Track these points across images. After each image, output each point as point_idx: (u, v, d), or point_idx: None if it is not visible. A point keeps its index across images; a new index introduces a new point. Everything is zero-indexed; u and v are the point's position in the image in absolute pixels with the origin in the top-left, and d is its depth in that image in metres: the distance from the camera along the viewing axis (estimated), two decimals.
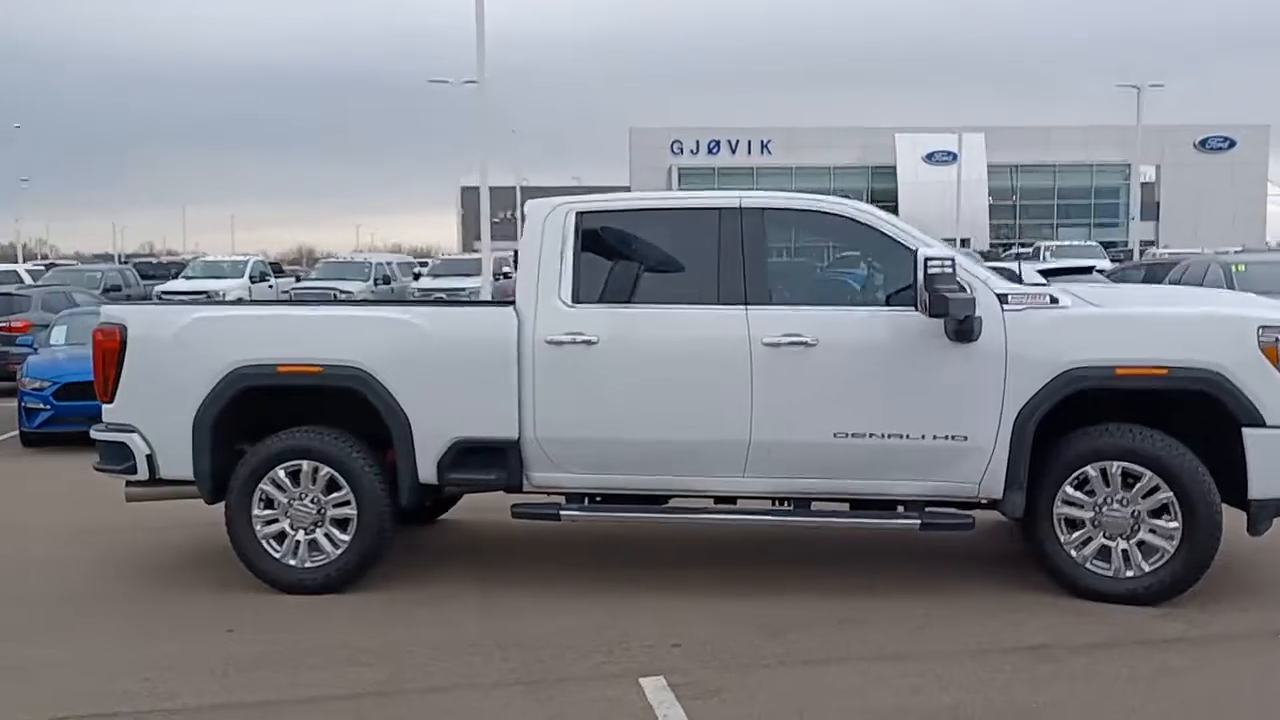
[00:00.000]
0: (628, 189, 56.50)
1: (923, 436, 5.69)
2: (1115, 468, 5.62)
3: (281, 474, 6.09)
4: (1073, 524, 5.72)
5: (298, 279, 33.06)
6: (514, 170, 60.23)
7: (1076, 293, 5.88)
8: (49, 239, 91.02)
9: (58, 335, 13.05)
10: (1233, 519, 5.63)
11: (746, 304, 5.82)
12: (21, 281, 25.29)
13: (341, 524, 6.09)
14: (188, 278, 28.55)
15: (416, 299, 23.33)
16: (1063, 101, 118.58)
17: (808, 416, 5.76)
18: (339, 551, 6.08)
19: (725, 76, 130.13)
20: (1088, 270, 24.02)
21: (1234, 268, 16.02)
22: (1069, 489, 5.70)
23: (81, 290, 20.06)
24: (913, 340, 5.68)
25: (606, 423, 5.88)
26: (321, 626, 5.62)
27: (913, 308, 5.64)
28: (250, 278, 28.32)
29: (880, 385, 5.72)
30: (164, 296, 25.41)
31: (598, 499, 6.13)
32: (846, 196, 6.27)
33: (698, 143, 63.74)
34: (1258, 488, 5.51)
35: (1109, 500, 5.65)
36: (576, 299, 5.96)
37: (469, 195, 62.75)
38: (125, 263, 38.38)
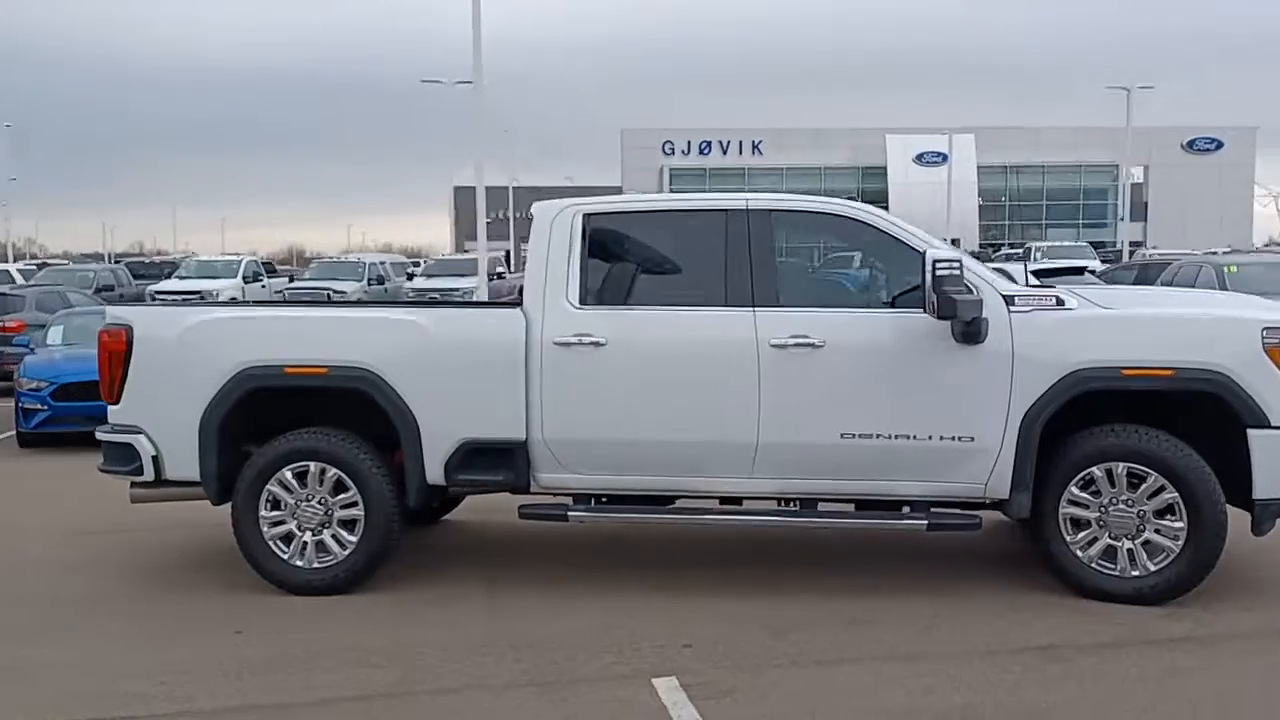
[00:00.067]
0: (619, 189, 56.56)
1: (929, 438, 5.72)
2: (1121, 468, 5.65)
3: (289, 475, 6.09)
4: (1078, 524, 5.75)
5: (291, 279, 32.99)
6: (507, 171, 60.26)
7: (1082, 294, 5.92)
8: (38, 238, 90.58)
9: (54, 335, 13.01)
10: (1234, 519, 5.66)
11: (754, 306, 5.84)
12: (14, 281, 25.20)
13: (349, 525, 6.09)
14: (181, 277, 28.44)
15: (412, 299, 23.30)
16: (1053, 103, 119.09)
17: (815, 417, 5.78)
18: (346, 552, 6.08)
19: (717, 78, 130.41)
20: (1080, 271, 24.14)
21: (1226, 269, 16.11)
22: (1075, 489, 5.73)
23: (75, 290, 19.98)
24: (920, 342, 5.71)
25: (614, 424, 5.89)
26: (331, 628, 5.62)
27: (920, 309, 5.67)
28: (243, 278, 28.23)
29: (887, 386, 5.74)
30: (157, 296, 25.34)
31: (604, 499, 6.15)
32: (852, 198, 6.28)
33: (689, 143, 63.80)
34: (1262, 488, 5.55)
35: (1114, 501, 5.68)
36: (584, 300, 5.98)
37: (462, 195, 62.63)
38: (117, 262, 38.21)
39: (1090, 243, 42.62)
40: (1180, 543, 5.61)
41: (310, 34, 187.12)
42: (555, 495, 6.19)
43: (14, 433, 11.83)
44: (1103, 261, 32.14)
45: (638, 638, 5.37)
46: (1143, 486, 5.65)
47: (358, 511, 6.07)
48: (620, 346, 5.88)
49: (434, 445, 5.98)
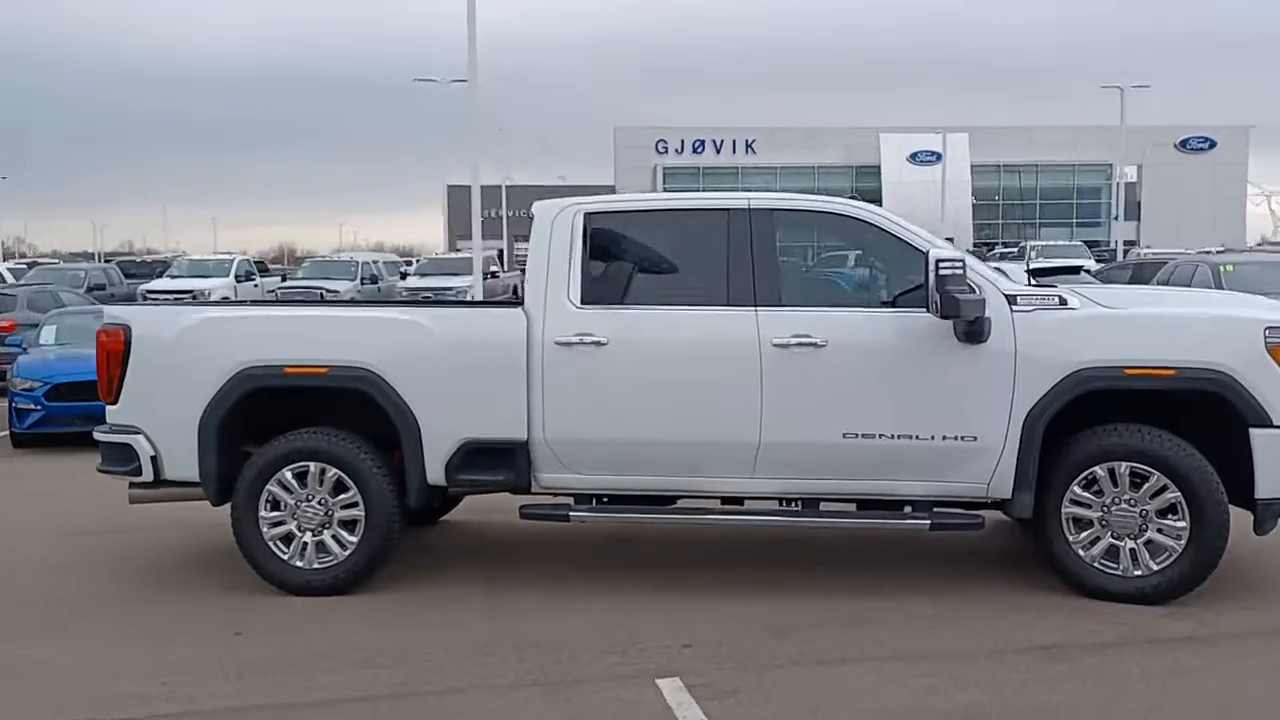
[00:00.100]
0: (613, 189, 56.52)
1: (932, 437, 5.71)
2: (1123, 468, 5.65)
3: (289, 475, 6.06)
4: (1081, 524, 5.75)
5: (284, 278, 32.91)
6: (500, 169, 60.14)
7: (1084, 293, 5.92)
8: (27, 237, 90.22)
9: (47, 335, 12.96)
10: (1236, 518, 5.66)
11: (756, 305, 5.83)
12: (4, 280, 25.10)
13: (349, 525, 6.07)
14: (173, 276, 28.39)
15: (406, 298, 23.26)
16: (1048, 103, 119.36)
17: (817, 417, 5.77)
18: (347, 553, 6.06)
19: (712, 76, 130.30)
20: (1076, 270, 24.20)
21: (1222, 268, 16.14)
22: (1077, 489, 5.73)
23: (67, 289, 19.90)
24: (922, 341, 5.70)
25: (616, 424, 5.87)
26: (332, 628, 5.59)
27: (922, 309, 5.66)
28: (235, 277, 28.18)
29: (890, 386, 5.73)
30: (149, 296, 25.26)
31: (604, 499, 6.13)
32: (855, 197, 6.26)
33: (682, 142, 63.70)
34: (1264, 487, 5.56)
35: (1117, 500, 5.68)
36: (585, 300, 5.96)
37: (454, 194, 62.54)
38: (108, 261, 38.10)
39: (1084, 242, 42.63)
40: (1183, 542, 5.61)
41: (302, 32, 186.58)
42: (556, 495, 6.17)
43: (7, 433, 11.77)
44: (1097, 261, 32.21)
45: (640, 638, 5.35)
46: (1145, 486, 5.64)
47: (358, 512, 6.04)
48: (622, 346, 5.86)
49: (435, 445, 5.96)
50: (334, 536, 6.08)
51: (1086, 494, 5.72)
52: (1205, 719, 4.44)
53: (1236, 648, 5.17)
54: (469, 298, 21.51)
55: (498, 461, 5.99)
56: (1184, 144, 64.47)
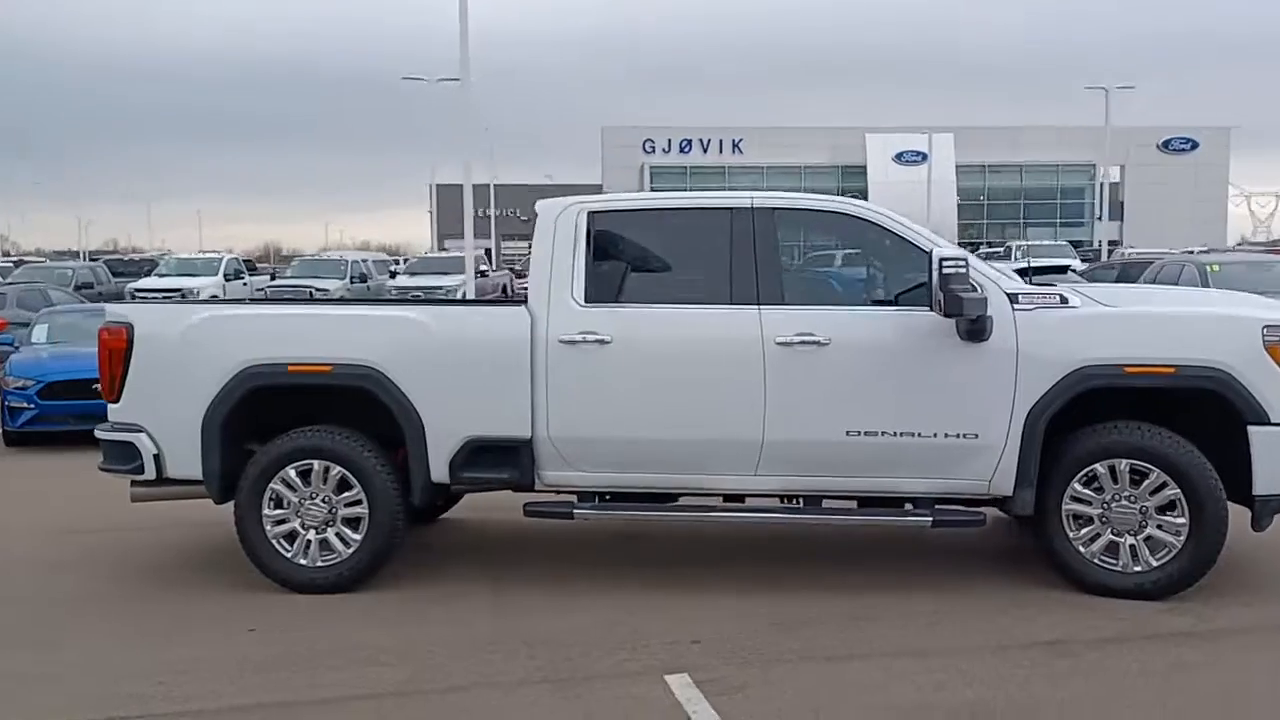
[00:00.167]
0: (600, 188, 56.53)
1: (934, 435, 5.75)
2: (1123, 465, 5.70)
3: (292, 473, 6.06)
4: (1081, 520, 5.80)
5: (273, 276, 32.82)
6: (488, 168, 60.06)
7: (1084, 292, 5.97)
8: (10, 235, 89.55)
9: (39, 333, 12.90)
10: (1233, 515, 5.72)
11: (759, 304, 5.86)
12: None
13: (353, 523, 6.07)
14: (161, 275, 28.28)
15: (396, 297, 23.21)
16: (1032, 103, 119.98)
17: (820, 415, 5.80)
18: (351, 551, 6.06)
19: (700, 77, 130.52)
20: (1063, 270, 24.32)
21: (1209, 267, 16.29)
22: (1077, 486, 5.78)
23: (56, 287, 19.80)
24: (924, 340, 5.74)
25: (620, 422, 5.89)
26: (336, 626, 5.59)
27: (925, 307, 5.70)
28: (224, 275, 28.08)
29: (892, 384, 5.77)
30: (137, 295, 25.15)
31: (606, 497, 6.15)
32: (855, 196, 6.29)
33: (670, 141, 63.76)
34: (1262, 484, 5.61)
35: (1117, 497, 5.74)
36: (589, 298, 5.98)
37: (444, 193, 62.37)
38: (94, 259, 37.89)
39: (1069, 242, 42.88)
40: (1182, 538, 5.67)
41: (288, 27, 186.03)
42: (559, 493, 6.19)
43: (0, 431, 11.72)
44: (1082, 260, 32.40)
45: (646, 635, 5.37)
46: (1145, 483, 5.70)
47: (362, 510, 6.04)
48: (625, 344, 5.88)
49: (439, 443, 5.97)
50: (338, 534, 6.08)
51: (1087, 491, 5.77)
52: (1210, 714, 4.48)
53: (1237, 643, 5.22)
54: (460, 296, 21.50)
55: (501, 459, 6.01)
56: (1166, 145, 64.90)
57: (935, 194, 52.54)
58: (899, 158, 61.68)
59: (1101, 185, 51.42)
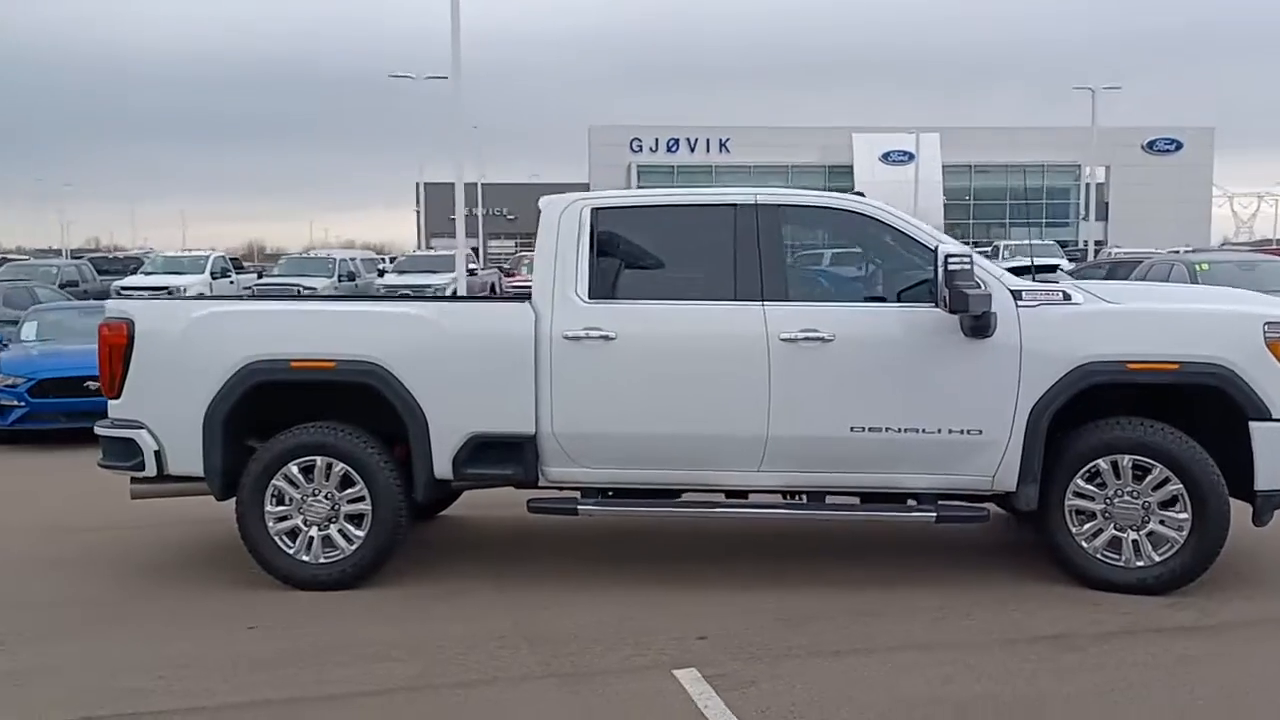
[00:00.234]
0: (586, 187, 56.50)
1: (938, 431, 5.76)
2: (1126, 460, 5.73)
3: (295, 470, 6.03)
4: (1084, 516, 5.83)
5: (260, 275, 32.68)
6: (475, 166, 59.94)
7: (1087, 289, 6.00)
8: None
9: (29, 331, 12.81)
10: (1234, 510, 5.75)
11: (763, 300, 5.86)
12: None
13: (356, 520, 6.05)
14: (147, 273, 28.11)
15: (382, 295, 23.14)
16: (1018, 103, 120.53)
17: (825, 411, 5.81)
18: (354, 547, 6.04)
19: (685, 75, 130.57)
20: (1052, 269, 24.38)
21: (1198, 266, 16.40)
22: (1080, 481, 5.80)
23: (43, 285, 19.68)
24: (929, 336, 5.76)
25: (624, 418, 5.89)
26: (339, 623, 5.57)
27: (928, 304, 5.73)
28: (211, 273, 27.95)
29: (897, 380, 5.78)
30: (123, 292, 25.00)
31: (610, 493, 6.14)
32: (858, 194, 6.31)
33: (656, 140, 63.82)
34: (1263, 479, 5.65)
35: (1120, 492, 5.76)
36: (593, 295, 5.97)
37: (431, 191, 62.13)
38: (79, 257, 37.65)
39: (1056, 242, 43.11)
40: (1184, 533, 5.70)
41: (272, 25, 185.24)
42: (562, 489, 6.18)
43: None
44: (1069, 260, 32.55)
45: (652, 630, 5.37)
46: (1148, 478, 5.73)
47: (365, 506, 6.02)
48: (630, 340, 5.88)
49: (442, 439, 5.95)
50: (340, 531, 6.06)
51: (1089, 486, 5.80)
52: (1218, 707, 4.50)
53: (1241, 636, 5.25)
54: (451, 293, 21.45)
55: (505, 456, 5.99)
56: (1151, 145, 65.35)
57: (922, 194, 52.77)
58: (886, 157, 61.88)
59: (1087, 185, 51.67)
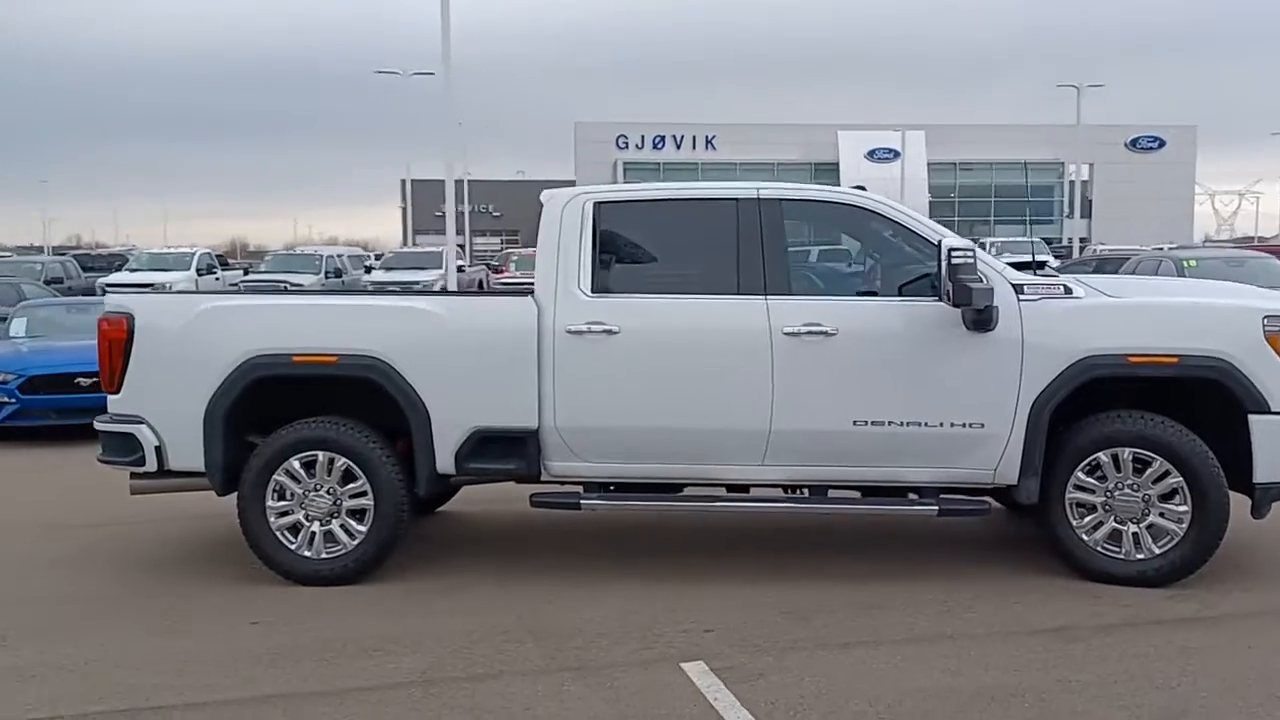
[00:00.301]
0: (573, 183, 56.35)
1: (940, 424, 5.79)
2: (1126, 453, 5.77)
3: (296, 465, 6.02)
4: (1084, 508, 5.86)
5: (246, 271, 32.52)
6: (461, 163, 59.77)
7: (1088, 283, 6.04)
8: None
9: (18, 327, 12.72)
10: (1233, 503, 5.80)
11: (766, 294, 5.87)
12: None
13: (358, 515, 6.03)
14: (132, 270, 27.94)
15: (373, 292, 23.06)
16: (1003, 101, 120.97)
17: (828, 405, 5.83)
18: (356, 542, 6.02)
19: (672, 71, 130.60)
20: (1041, 265, 24.50)
21: (1185, 263, 16.54)
22: (1081, 475, 5.84)
23: (29, 282, 19.54)
24: (931, 330, 5.78)
25: (627, 412, 5.89)
26: (342, 618, 5.55)
27: (930, 298, 5.76)
28: (197, 270, 27.80)
29: (899, 374, 5.80)
30: (109, 289, 24.84)
31: (612, 488, 6.14)
32: (860, 188, 6.33)
33: (643, 137, 63.76)
34: (1262, 472, 5.70)
35: (1120, 485, 5.80)
36: (596, 289, 5.97)
37: (417, 188, 61.91)
38: (62, 254, 37.40)
39: (1042, 238, 43.32)
40: (1184, 526, 5.74)
41: (254, 21, 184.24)
42: (564, 484, 6.18)
43: None
44: (1055, 257, 32.73)
45: (657, 624, 5.38)
46: (1148, 471, 5.77)
47: (367, 501, 6.01)
48: (633, 334, 5.88)
49: (445, 434, 5.94)
50: (342, 526, 6.04)
51: (1090, 479, 5.84)
52: (1222, 697, 4.53)
53: (1241, 628, 5.29)
54: (439, 289, 21.39)
55: (508, 450, 5.99)
56: (1134, 143, 65.68)
57: (908, 191, 52.89)
58: (871, 155, 62.01)
59: (1071, 183, 51.93)
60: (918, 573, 6.17)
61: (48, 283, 23.45)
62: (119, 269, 29.28)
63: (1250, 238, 69.95)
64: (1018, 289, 5.82)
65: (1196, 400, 5.93)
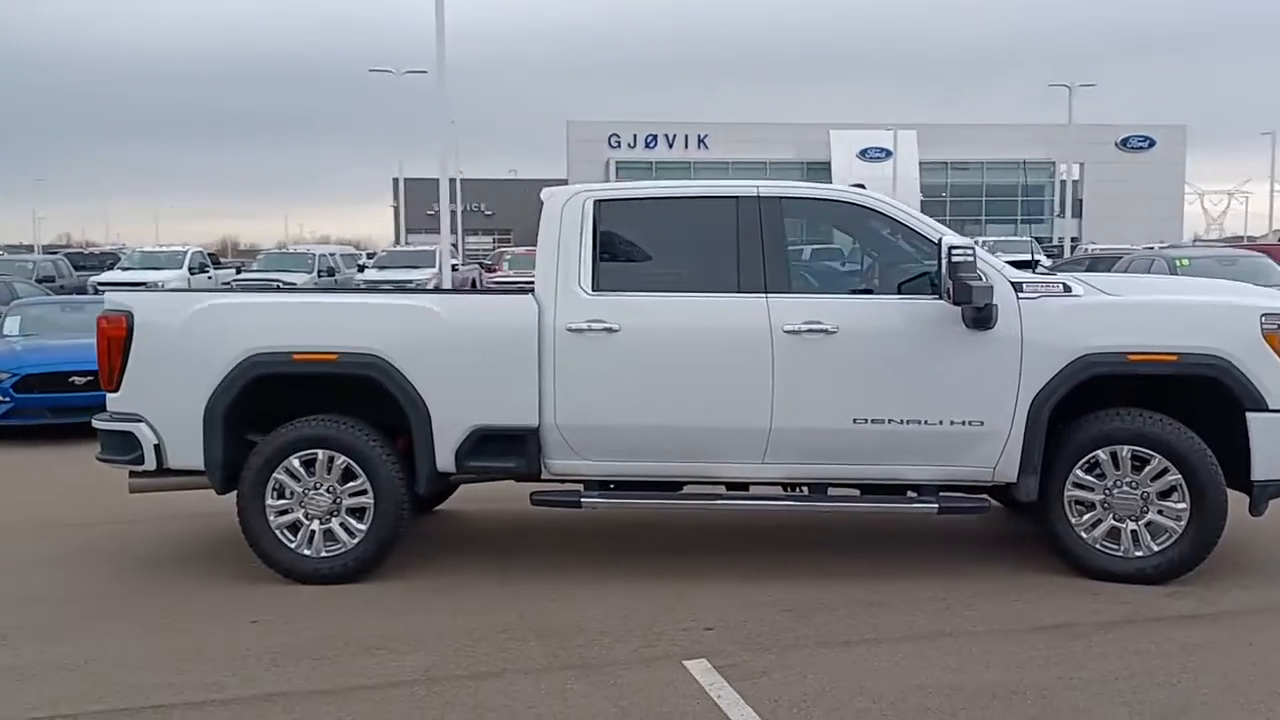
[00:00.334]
0: (565, 182, 56.34)
1: (940, 422, 5.80)
2: (1125, 451, 5.79)
3: (296, 463, 6.00)
4: (1083, 506, 5.88)
5: (239, 270, 32.43)
6: (453, 161, 59.66)
7: (1087, 281, 6.05)
8: None
9: (11, 326, 12.66)
10: (1231, 500, 5.82)
11: (767, 292, 5.88)
12: None
13: (358, 513, 6.03)
14: (125, 269, 27.85)
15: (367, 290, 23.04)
16: (995, 100, 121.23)
17: (828, 403, 5.83)
18: (356, 541, 6.02)
19: (672, 71, 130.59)
20: (1034, 264, 24.49)
21: (1178, 262, 16.59)
22: (1080, 472, 5.86)
23: (22, 280, 19.47)
24: (931, 328, 5.80)
25: (628, 410, 5.89)
26: (342, 617, 5.55)
27: (929, 295, 5.77)
28: (189, 268, 27.72)
29: (899, 372, 5.82)
30: (101, 288, 24.76)
31: (612, 486, 6.14)
32: (860, 186, 6.34)
33: (635, 136, 63.78)
34: (1260, 470, 5.72)
35: (1119, 483, 5.82)
36: (596, 287, 5.97)
37: (410, 187, 61.78)
38: (54, 253, 37.26)
39: (1035, 238, 43.45)
40: (1183, 523, 5.77)
41: (247, 20, 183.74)
42: (564, 482, 6.18)
43: None
44: (1047, 256, 32.81)
45: (659, 622, 5.38)
46: (1146, 469, 5.79)
47: (367, 499, 6.00)
48: (633, 332, 5.88)
49: (445, 432, 5.94)
50: (342, 524, 6.03)
51: (1089, 477, 5.86)
52: (1224, 693, 4.55)
53: (1240, 624, 5.31)
54: (432, 288, 21.38)
55: (508, 448, 5.99)
56: (1125, 143, 65.91)
57: (900, 190, 52.95)
58: (863, 154, 62.10)
59: (1062, 182, 52.04)
60: (918, 570, 6.19)
61: (39, 281, 23.38)
62: (111, 268, 29.18)
63: (1240, 237, 70.19)
64: (1017, 287, 5.84)
65: (1195, 398, 5.95)
